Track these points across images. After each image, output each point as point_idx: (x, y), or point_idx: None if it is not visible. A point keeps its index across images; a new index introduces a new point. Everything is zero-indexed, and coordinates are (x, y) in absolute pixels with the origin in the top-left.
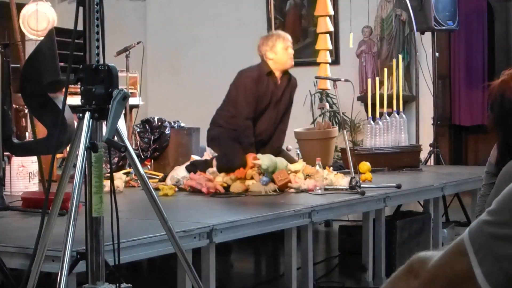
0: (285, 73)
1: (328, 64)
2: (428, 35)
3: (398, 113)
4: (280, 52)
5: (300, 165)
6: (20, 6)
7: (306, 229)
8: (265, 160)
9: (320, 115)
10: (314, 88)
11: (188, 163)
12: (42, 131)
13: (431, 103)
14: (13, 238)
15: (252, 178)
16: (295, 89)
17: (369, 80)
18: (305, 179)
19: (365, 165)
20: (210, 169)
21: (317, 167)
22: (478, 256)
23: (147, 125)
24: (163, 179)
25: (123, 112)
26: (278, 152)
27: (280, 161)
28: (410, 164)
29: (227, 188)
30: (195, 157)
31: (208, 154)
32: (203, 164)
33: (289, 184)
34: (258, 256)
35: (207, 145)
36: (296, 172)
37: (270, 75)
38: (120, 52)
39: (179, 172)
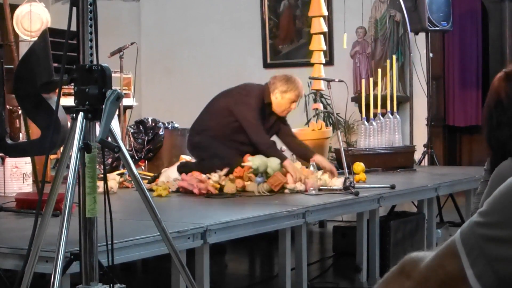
0: (281, 119)
1: (322, 65)
2: (422, 35)
3: (392, 114)
4: (285, 101)
5: (297, 167)
6: (13, 7)
7: (300, 229)
8: (255, 160)
9: (314, 116)
10: (308, 88)
11: (178, 163)
12: (35, 132)
13: (425, 103)
14: (7, 239)
15: (249, 180)
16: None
17: (363, 81)
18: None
19: (359, 166)
20: (218, 172)
21: (311, 167)
22: (470, 258)
23: (141, 126)
24: (152, 180)
25: (117, 112)
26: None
27: (270, 160)
28: (404, 165)
29: (220, 188)
30: (185, 157)
31: None
32: (194, 166)
33: (285, 185)
34: (252, 256)
35: (189, 151)
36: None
37: (268, 105)
38: (114, 53)
39: (171, 174)
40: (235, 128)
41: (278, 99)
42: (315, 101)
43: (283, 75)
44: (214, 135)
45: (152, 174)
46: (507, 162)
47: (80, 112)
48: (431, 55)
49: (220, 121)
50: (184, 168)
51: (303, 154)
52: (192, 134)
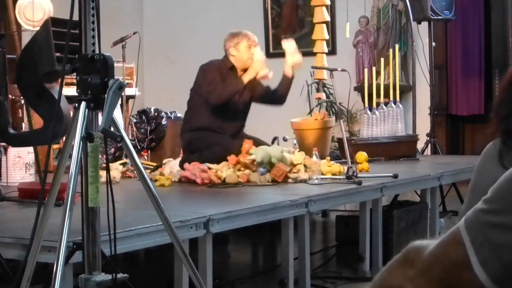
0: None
1: (324, 54)
2: (424, 24)
3: (394, 103)
4: (242, 50)
5: (301, 156)
6: None
7: (303, 219)
8: (258, 152)
9: (317, 105)
10: (311, 78)
11: (179, 158)
12: (38, 122)
13: (427, 93)
14: (9, 229)
15: (246, 167)
16: (259, 85)
17: (366, 70)
18: (306, 171)
19: (362, 155)
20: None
21: (314, 157)
22: (474, 245)
23: (143, 116)
24: (155, 169)
25: (119, 102)
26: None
27: (273, 150)
28: (407, 154)
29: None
30: None
31: None
32: (196, 158)
33: (288, 174)
34: (255, 246)
35: (183, 150)
36: (297, 164)
37: (232, 70)
38: (117, 43)
39: (174, 166)
40: (217, 112)
41: (237, 54)
42: (317, 90)
43: (228, 34)
44: (203, 127)
45: (154, 164)
46: (495, 141)
47: (83, 102)
48: (433, 44)
49: (201, 111)
50: (186, 162)
51: (282, 84)
52: (184, 134)
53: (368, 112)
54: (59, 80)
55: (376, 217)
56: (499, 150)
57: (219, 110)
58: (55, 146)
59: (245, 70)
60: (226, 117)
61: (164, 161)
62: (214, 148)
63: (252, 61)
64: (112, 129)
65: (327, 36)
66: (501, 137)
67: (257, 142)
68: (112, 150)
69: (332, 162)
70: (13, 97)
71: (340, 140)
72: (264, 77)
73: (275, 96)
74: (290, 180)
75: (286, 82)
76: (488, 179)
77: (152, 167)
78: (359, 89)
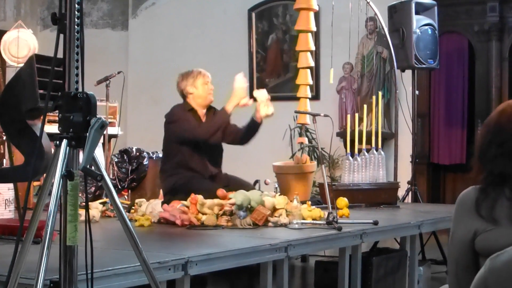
0: (209, 108)
1: (308, 99)
2: (408, 73)
3: (376, 150)
4: (200, 87)
5: (283, 201)
6: (1, 33)
7: (282, 263)
8: (238, 196)
9: (299, 150)
10: (294, 122)
11: (162, 200)
12: (19, 158)
13: (409, 140)
14: None
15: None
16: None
17: (349, 116)
18: (288, 215)
19: (342, 201)
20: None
21: (295, 201)
22: None
23: (125, 155)
24: (129, 208)
25: (101, 141)
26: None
27: (252, 194)
28: (388, 201)
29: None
30: None
31: None
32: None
33: (269, 218)
34: None
35: (164, 194)
36: (279, 208)
37: (192, 112)
38: (101, 81)
39: (156, 207)
40: (192, 154)
41: (195, 91)
42: (300, 135)
43: (179, 76)
44: (185, 170)
45: (126, 202)
46: (471, 190)
47: (64, 140)
48: (417, 92)
49: (178, 155)
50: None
51: (249, 128)
52: (164, 176)
53: (350, 158)
54: (42, 117)
55: (355, 263)
56: (476, 198)
57: (196, 150)
58: (35, 183)
59: (207, 108)
60: (204, 157)
61: (136, 201)
62: (192, 180)
63: (211, 96)
64: (93, 168)
65: (311, 81)
66: (482, 182)
67: (239, 183)
68: (93, 189)
69: (313, 207)
70: None
71: (321, 185)
72: (245, 105)
73: (239, 136)
74: (270, 224)
75: (255, 127)
76: (463, 229)
77: (126, 205)
78: (342, 135)
